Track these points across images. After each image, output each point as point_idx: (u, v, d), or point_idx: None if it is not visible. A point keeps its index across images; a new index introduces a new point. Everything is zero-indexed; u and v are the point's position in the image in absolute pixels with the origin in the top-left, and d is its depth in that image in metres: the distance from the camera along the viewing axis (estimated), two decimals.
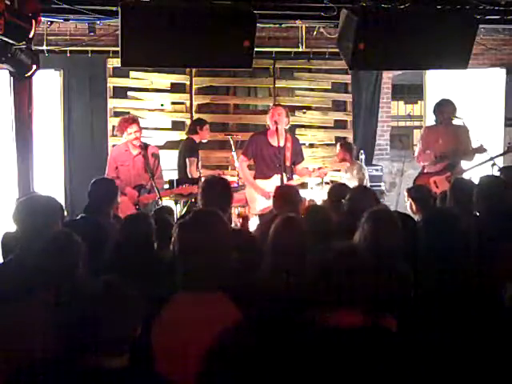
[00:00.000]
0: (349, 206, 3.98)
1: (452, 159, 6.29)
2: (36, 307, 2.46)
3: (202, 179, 5.53)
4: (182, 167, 6.79)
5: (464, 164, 6.41)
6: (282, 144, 5.90)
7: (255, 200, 6.02)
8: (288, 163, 5.95)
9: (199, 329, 2.37)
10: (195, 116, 8.04)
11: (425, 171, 6.49)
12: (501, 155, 6.46)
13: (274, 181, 5.91)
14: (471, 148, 6.34)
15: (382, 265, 2.80)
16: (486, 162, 6.25)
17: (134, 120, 6.13)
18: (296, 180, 6.12)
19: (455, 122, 6.41)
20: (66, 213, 3.95)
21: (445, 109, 6.39)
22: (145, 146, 6.08)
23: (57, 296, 2.43)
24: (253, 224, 6.00)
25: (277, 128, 5.87)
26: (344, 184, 5.27)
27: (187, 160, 6.68)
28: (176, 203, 6.25)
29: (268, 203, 5.78)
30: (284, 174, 5.84)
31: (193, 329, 2.39)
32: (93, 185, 4.44)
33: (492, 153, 6.29)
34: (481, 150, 6.26)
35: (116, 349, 1.96)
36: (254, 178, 6.12)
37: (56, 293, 2.47)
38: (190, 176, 6.61)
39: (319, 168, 6.50)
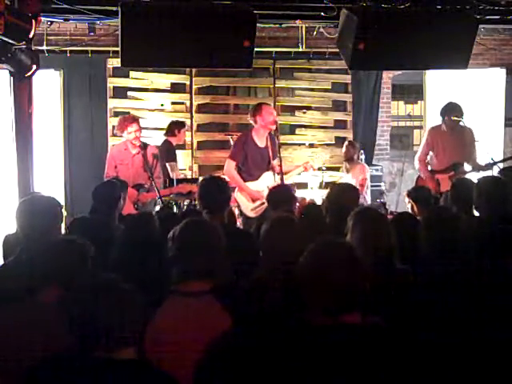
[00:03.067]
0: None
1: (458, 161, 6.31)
2: (37, 307, 2.46)
3: (200, 178, 5.55)
4: (163, 171, 6.70)
5: (467, 166, 6.42)
6: (264, 144, 5.93)
7: (245, 201, 6.00)
8: (272, 161, 5.95)
9: (189, 334, 2.39)
10: (195, 116, 8.05)
11: (429, 169, 6.51)
12: (505, 160, 6.43)
13: (263, 180, 5.93)
14: (476, 156, 6.35)
15: (378, 264, 2.81)
16: (489, 165, 6.25)
17: (134, 119, 6.12)
18: (292, 173, 6.11)
19: (461, 124, 6.40)
20: (65, 213, 3.95)
21: (453, 113, 6.35)
22: (144, 146, 6.08)
23: (63, 294, 2.43)
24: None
25: (277, 128, 5.88)
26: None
27: (167, 165, 6.57)
28: (176, 204, 6.23)
29: (259, 203, 5.81)
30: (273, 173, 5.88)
31: (182, 334, 2.40)
32: (98, 187, 4.44)
33: (496, 157, 6.31)
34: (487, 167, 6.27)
35: (119, 343, 1.99)
36: (244, 180, 6.08)
37: (61, 291, 2.47)
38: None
39: (306, 162, 6.39)
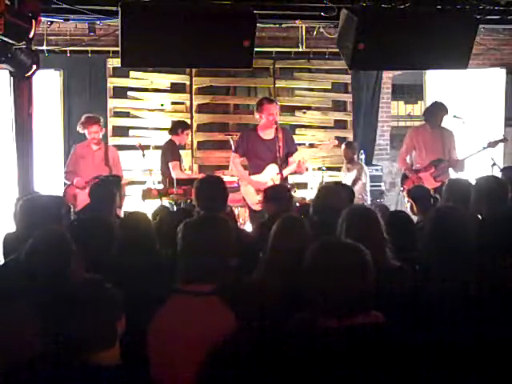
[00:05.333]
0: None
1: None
2: (29, 307, 2.45)
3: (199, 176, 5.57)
4: (164, 171, 6.77)
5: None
6: (272, 136, 5.91)
7: (251, 194, 6.01)
8: (280, 154, 5.89)
9: (193, 333, 2.37)
10: (195, 116, 8.05)
11: (412, 168, 6.68)
12: (481, 151, 6.48)
13: (267, 172, 5.92)
14: (456, 155, 6.52)
15: (375, 262, 2.80)
16: (477, 153, 6.42)
17: (96, 121, 6.50)
18: (287, 169, 6.04)
19: (443, 124, 6.55)
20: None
21: (440, 112, 6.48)
22: (105, 145, 6.67)
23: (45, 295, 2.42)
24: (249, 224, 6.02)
25: (277, 128, 5.88)
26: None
27: (169, 165, 6.68)
28: (176, 203, 6.24)
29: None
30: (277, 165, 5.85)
31: (186, 333, 2.39)
32: (94, 186, 4.49)
33: (495, 157, 6.41)
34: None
35: (99, 344, 1.99)
36: (249, 174, 6.10)
37: (44, 291, 2.46)
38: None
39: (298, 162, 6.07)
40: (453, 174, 6.43)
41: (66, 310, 2.02)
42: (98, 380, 1.96)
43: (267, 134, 5.96)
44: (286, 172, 5.93)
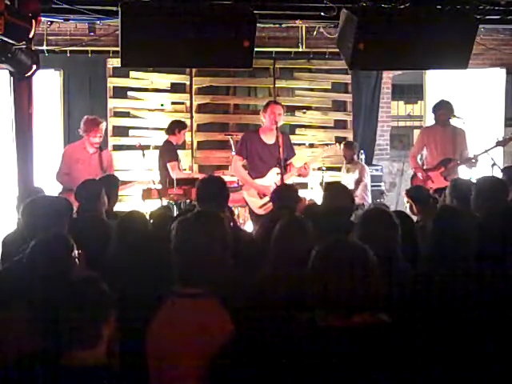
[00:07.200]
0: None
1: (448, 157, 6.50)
2: (24, 310, 2.45)
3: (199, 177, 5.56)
4: (162, 171, 6.77)
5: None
6: (273, 141, 5.91)
7: (254, 198, 5.98)
8: (282, 158, 5.86)
9: (190, 336, 2.36)
10: (195, 116, 8.05)
11: (423, 167, 6.70)
12: (492, 148, 6.51)
13: (270, 177, 5.91)
14: (468, 155, 6.53)
15: (382, 264, 2.80)
16: (480, 154, 6.41)
17: (101, 123, 6.39)
18: (288, 175, 6.01)
19: (453, 122, 6.57)
20: None
21: (443, 110, 6.51)
22: (100, 148, 6.49)
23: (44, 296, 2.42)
24: (249, 225, 6.00)
25: (277, 128, 5.87)
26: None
27: (168, 165, 6.69)
28: (176, 203, 6.24)
29: (267, 200, 5.74)
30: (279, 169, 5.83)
31: (184, 336, 2.38)
32: (79, 188, 4.50)
33: (495, 157, 6.44)
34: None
35: (80, 344, 1.99)
36: (252, 178, 6.08)
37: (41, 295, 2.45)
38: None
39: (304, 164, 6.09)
40: (462, 173, 6.48)
41: (53, 309, 2.03)
42: (82, 381, 1.96)
43: (269, 138, 5.93)
44: (287, 178, 5.92)
